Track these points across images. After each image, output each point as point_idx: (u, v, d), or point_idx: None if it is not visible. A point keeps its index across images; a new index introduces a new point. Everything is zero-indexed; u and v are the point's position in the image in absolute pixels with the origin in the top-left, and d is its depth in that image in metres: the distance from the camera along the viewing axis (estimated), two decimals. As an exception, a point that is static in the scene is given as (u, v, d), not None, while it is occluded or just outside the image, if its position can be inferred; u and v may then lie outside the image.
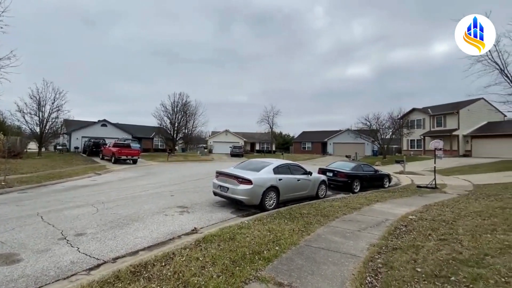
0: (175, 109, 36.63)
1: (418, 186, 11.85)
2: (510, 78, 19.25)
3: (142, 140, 39.15)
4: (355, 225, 5.48)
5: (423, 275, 2.94)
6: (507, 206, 6.26)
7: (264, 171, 7.50)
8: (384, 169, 18.80)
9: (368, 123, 37.38)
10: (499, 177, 13.79)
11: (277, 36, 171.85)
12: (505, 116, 31.64)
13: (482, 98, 29.43)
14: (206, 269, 3.19)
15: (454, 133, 31.14)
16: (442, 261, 3.27)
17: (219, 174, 7.68)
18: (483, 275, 2.73)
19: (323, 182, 9.55)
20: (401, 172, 19.21)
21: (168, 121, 36.64)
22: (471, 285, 2.59)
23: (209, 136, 55.03)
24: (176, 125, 36.80)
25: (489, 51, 19.70)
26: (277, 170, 7.78)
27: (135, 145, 27.35)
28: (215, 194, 7.67)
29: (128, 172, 16.45)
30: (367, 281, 2.94)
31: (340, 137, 48.43)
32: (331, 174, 11.51)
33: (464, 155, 29.95)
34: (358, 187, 11.21)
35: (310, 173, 8.88)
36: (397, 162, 21.91)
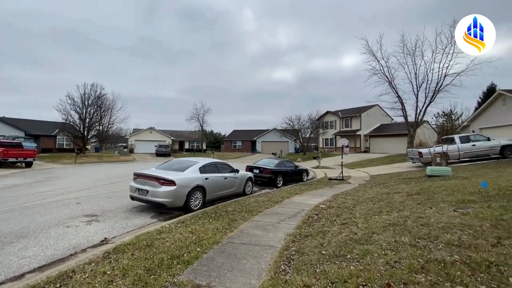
0: (86, 103, 31.59)
1: (330, 179, 13.61)
2: (396, 89, 24.14)
3: (41, 139, 32.30)
4: (275, 217, 5.86)
5: (327, 257, 3.36)
6: (391, 191, 7.81)
7: (189, 171, 7.22)
8: (304, 165, 20.84)
9: (291, 123, 40.85)
10: (387, 169, 17.15)
11: (208, 33, 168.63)
12: (393, 119, 39.50)
13: (377, 105, 35.94)
14: (115, 283, 2.84)
15: (358, 133, 37.16)
16: (342, 242, 3.82)
17: (138, 175, 7.01)
18: (370, 250, 3.31)
19: (249, 179, 9.87)
20: (317, 167, 21.68)
21: (77, 116, 31.32)
22: (361, 260, 3.10)
23: (130, 134, 49.71)
24: (88, 121, 31.80)
25: (381, 66, 24.27)
26: (203, 169, 7.61)
27: (29, 145, 22.40)
28: (133, 198, 6.96)
29: (19, 177, 13.33)
30: (281, 269, 3.17)
31: (267, 136, 51.21)
32: (257, 171, 12.03)
33: (365, 151, 36.05)
34: (281, 182, 12.07)
35: (237, 171, 9.05)
36: (314, 158, 24.68)
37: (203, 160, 8.12)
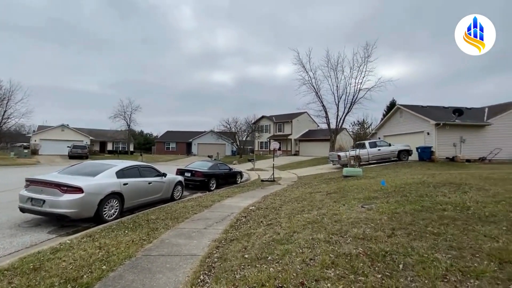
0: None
1: (262, 180, 14.04)
2: (321, 99, 26.81)
3: None
4: (203, 223, 5.58)
5: (249, 260, 3.30)
6: (313, 191, 8.47)
7: (102, 176, 6.26)
8: (240, 167, 21.02)
9: (228, 126, 40.92)
10: (313, 170, 18.77)
11: (140, 25, 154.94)
12: (318, 126, 43.78)
13: (306, 112, 39.31)
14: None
15: (289, 137, 39.85)
16: (265, 243, 3.83)
17: (31, 182, 5.70)
18: (289, 249, 3.40)
19: (179, 183, 9.28)
20: (252, 169, 22.17)
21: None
22: (280, 260, 3.14)
23: (34, 132, 41.26)
24: (-31, 113, 24.96)
25: (310, 77, 26.61)
26: (121, 173, 6.73)
27: None
28: (23, 210, 5.63)
29: None
30: (199, 280, 2.94)
31: (204, 138, 49.97)
32: (189, 174, 11.45)
33: (295, 154, 38.82)
34: (215, 185, 11.78)
35: (164, 175, 8.36)
36: (249, 160, 25.23)
37: (122, 163, 7.19)
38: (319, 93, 26.53)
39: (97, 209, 5.75)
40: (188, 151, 49.77)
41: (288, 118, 41.82)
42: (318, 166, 21.64)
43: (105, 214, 5.94)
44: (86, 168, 6.76)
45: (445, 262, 2.52)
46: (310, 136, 39.54)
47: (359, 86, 24.75)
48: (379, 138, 22.10)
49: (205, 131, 50.94)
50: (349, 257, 2.90)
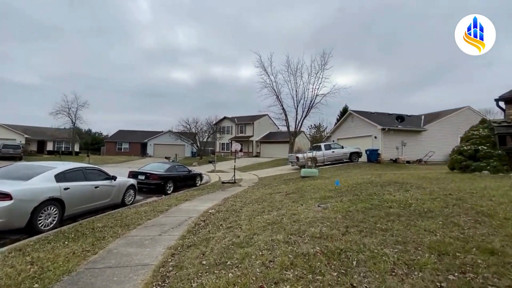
0: None
1: (223, 182, 13.82)
2: (281, 102, 27.57)
3: None
4: (157, 229, 5.21)
5: (207, 267, 3.14)
6: (273, 192, 8.59)
7: (37, 179, 5.46)
8: (200, 169, 20.41)
9: (188, 126, 39.61)
10: (273, 171, 19.15)
11: (89, 12, 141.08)
12: (279, 128, 45.00)
13: (267, 114, 40.06)
14: None
15: (251, 138, 40.17)
16: (225, 248, 3.71)
17: None
18: (249, 253, 3.34)
19: (131, 186, 8.60)
20: (212, 171, 21.73)
21: None
22: (240, 265, 3.05)
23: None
24: None
25: (271, 80, 27.19)
26: (62, 176, 5.95)
27: None
28: None
29: None
30: (151, 293, 2.70)
31: (161, 138, 47.47)
32: (143, 177, 10.70)
33: (256, 156, 39.26)
34: (172, 188, 11.20)
35: (114, 178, 7.65)
36: (210, 162, 24.71)
37: (63, 165, 6.37)
38: (279, 97, 27.28)
39: (30, 218, 4.97)
40: (143, 152, 46.77)
41: (249, 120, 42.16)
42: (278, 167, 22.15)
43: (40, 223, 5.17)
44: (17, 171, 5.83)
45: (392, 257, 2.71)
46: (271, 138, 40.39)
47: (316, 91, 26.09)
48: (333, 141, 23.56)
49: (162, 131, 48.46)
50: (307, 257, 2.95)
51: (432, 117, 21.59)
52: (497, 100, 9.46)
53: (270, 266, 2.88)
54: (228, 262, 3.16)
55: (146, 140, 47.18)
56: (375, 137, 19.53)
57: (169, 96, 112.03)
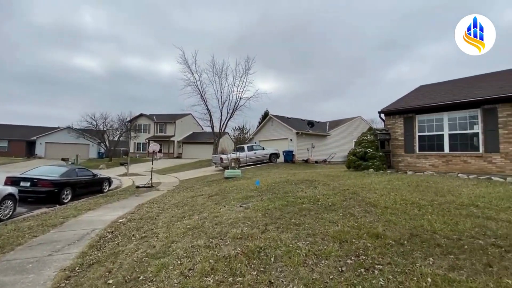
0: None
1: (137, 187, 12.46)
2: (206, 102, 27.07)
3: None
4: (47, 248, 4.22)
5: (114, 286, 2.72)
6: (195, 194, 8.28)
7: None
8: (109, 173, 17.86)
9: (95, 123, 34.17)
10: (196, 173, 18.55)
11: None
12: (203, 128, 44.07)
13: (190, 114, 38.68)
14: None
15: (172, 138, 37.86)
16: (137, 261, 3.31)
17: None
18: (166, 263, 3.07)
19: (8, 196, 6.78)
20: (125, 174, 19.36)
21: None
22: (155, 278, 2.76)
23: None
24: None
25: (195, 79, 26.39)
26: None
27: None
28: None
29: None
30: (32, 332, 2.12)
31: (56, 136, 39.18)
32: (27, 184, 8.55)
33: (177, 157, 37.27)
34: (70, 196, 9.36)
35: (-22, 186, 5.80)
36: (122, 164, 21.94)
37: None
38: (204, 96, 26.74)
39: None
40: (30, 153, 37.57)
41: (171, 119, 39.65)
42: (201, 168, 21.61)
43: None
44: None
45: (304, 249, 2.98)
46: (194, 139, 39.10)
47: (240, 94, 26.81)
48: (255, 143, 24.71)
49: (58, 127, 40.09)
50: (228, 260, 2.92)
51: (334, 124, 25.42)
52: (379, 113, 11.89)
53: (190, 274, 2.72)
54: (141, 277, 2.82)
55: (34, 138, 38.04)
56: (291, 140, 21.53)
57: (69, 85, 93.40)
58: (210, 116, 27.20)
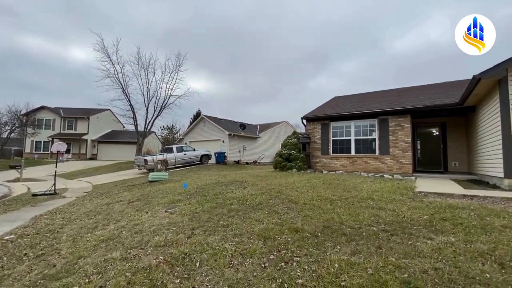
0: None
1: (34, 195, 10.22)
2: (129, 97, 24.47)
3: None
4: None
5: (-10, 323, 2.14)
6: (112, 201, 7.35)
7: None
8: (-10, 178, 14.13)
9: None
10: (114, 177, 16.49)
11: None
12: (124, 126, 39.64)
13: (109, 109, 34.28)
14: None
15: (84, 137, 32.63)
16: (29, 285, 2.70)
17: None
18: (69, 284, 2.61)
19: None
20: (17, 180, 15.66)
21: None
22: (53, 303, 2.31)
23: None
24: None
25: (116, 70, 23.55)
26: None
27: None
28: None
29: None
30: None
31: None
32: None
33: (91, 158, 32.39)
34: None
35: None
36: (13, 167, 17.68)
37: None
38: (126, 91, 24.15)
39: None
40: None
41: (84, 114, 34.15)
42: (121, 171, 19.35)
43: None
44: None
45: (231, 250, 3.01)
46: (113, 138, 34.68)
47: (170, 91, 25.32)
48: (186, 143, 23.74)
49: None
50: (148, 270, 2.70)
51: (264, 127, 26.77)
52: (302, 119, 13.14)
53: (100, 293, 2.38)
54: (33, 306, 2.32)
55: None
56: (223, 141, 21.56)
57: None
58: (134, 113, 24.79)
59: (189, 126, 29.12)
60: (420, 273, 2.32)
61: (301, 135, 12.45)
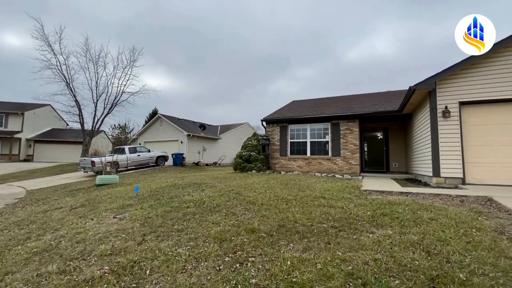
0: None
1: None
2: (74, 92, 22.09)
3: None
4: None
5: None
6: (50, 208, 6.53)
7: None
8: None
9: None
10: (54, 180, 14.69)
11: None
12: (68, 124, 35.61)
13: (49, 105, 30.54)
14: None
15: (17, 135, 28.40)
16: None
17: None
18: (-11, 306, 2.24)
19: None
20: None
21: None
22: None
23: None
24: None
25: (59, 61, 21.10)
26: None
27: None
28: None
29: None
30: None
31: None
32: None
33: (26, 160, 28.37)
34: None
35: None
36: None
37: None
38: (71, 85, 21.77)
39: None
40: None
41: (17, 109, 29.71)
42: (63, 175, 17.33)
43: None
44: None
45: (184, 254, 2.92)
46: (54, 137, 30.84)
47: (123, 88, 23.57)
48: (140, 144, 22.33)
49: None
50: (90, 283, 2.46)
51: (225, 128, 26.59)
52: (262, 121, 13.40)
53: (29, 313, 2.10)
54: None
55: None
56: (181, 142, 20.80)
57: None
58: (80, 110, 22.48)
59: (144, 126, 27.44)
60: (362, 264, 2.54)
61: (261, 137, 12.68)
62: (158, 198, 6.06)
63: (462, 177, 6.90)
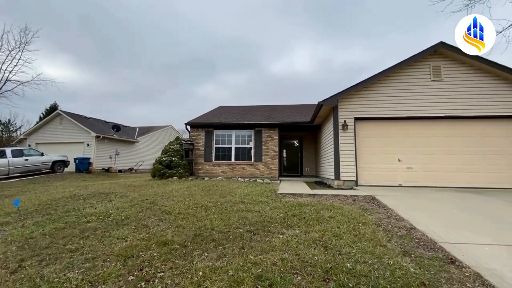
0: None
1: None
2: None
3: None
4: None
5: None
6: None
7: None
8: None
9: None
10: None
11: None
12: None
13: None
14: None
15: None
16: None
17: None
18: None
19: None
20: None
21: None
22: None
23: None
24: None
25: None
26: None
27: None
28: None
29: None
30: None
31: None
32: None
33: None
34: None
35: None
36: None
37: None
38: None
39: None
40: None
41: None
42: None
43: None
44: None
45: (76, 279, 2.46)
46: None
47: (7, 75, 18.75)
48: (29, 146, 18.13)
49: None
50: None
51: (145, 130, 24.36)
52: (186, 124, 12.89)
53: None
54: None
55: None
56: (88, 145, 17.90)
57: None
58: None
59: (37, 123, 22.41)
60: (271, 265, 2.70)
61: (184, 141, 12.15)
62: (49, 212, 5.00)
63: (355, 179, 8.30)
